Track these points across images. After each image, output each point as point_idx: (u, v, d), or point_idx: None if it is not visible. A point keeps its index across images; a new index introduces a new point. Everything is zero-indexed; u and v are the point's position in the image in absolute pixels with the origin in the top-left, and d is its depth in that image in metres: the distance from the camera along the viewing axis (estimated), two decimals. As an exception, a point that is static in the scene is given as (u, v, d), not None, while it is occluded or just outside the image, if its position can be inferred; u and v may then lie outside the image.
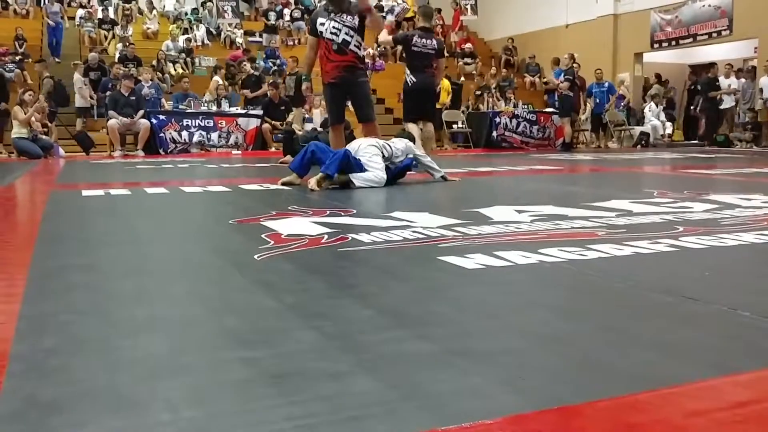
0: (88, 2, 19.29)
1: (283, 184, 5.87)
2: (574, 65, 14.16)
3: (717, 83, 14.66)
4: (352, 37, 6.65)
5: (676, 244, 3.02)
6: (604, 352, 1.68)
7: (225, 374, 1.53)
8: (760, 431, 1.27)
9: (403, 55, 9.01)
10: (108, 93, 13.07)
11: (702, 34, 16.11)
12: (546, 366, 1.59)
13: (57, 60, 16.75)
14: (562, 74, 13.88)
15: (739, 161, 10.01)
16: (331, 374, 1.51)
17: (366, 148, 5.96)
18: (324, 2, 6.97)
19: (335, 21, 6.62)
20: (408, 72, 8.73)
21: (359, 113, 7.03)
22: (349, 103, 7.29)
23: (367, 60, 7.01)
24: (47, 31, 17.35)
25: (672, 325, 1.90)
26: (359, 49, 6.76)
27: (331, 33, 6.63)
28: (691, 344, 1.74)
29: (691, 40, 16.43)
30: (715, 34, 15.80)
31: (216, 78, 14.65)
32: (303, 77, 7.45)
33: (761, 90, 14.19)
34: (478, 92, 16.05)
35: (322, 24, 6.68)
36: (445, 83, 15.24)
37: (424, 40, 8.49)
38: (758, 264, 2.80)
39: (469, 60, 20.08)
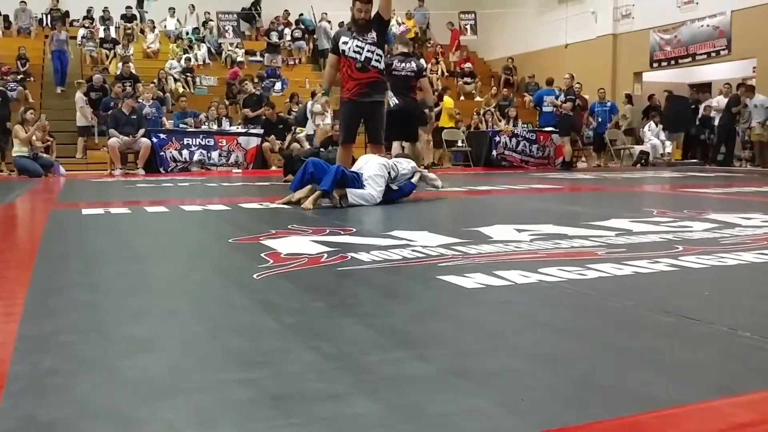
0: (91, 23, 19.38)
1: (283, 203, 5.88)
2: (575, 85, 14.22)
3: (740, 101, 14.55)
4: (372, 53, 6.80)
5: (676, 264, 3.02)
6: (603, 372, 1.67)
7: (225, 395, 1.53)
8: (761, 453, 1.27)
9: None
10: (109, 112, 13.11)
11: (701, 54, 16.20)
12: (546, 387, 1.59)
13: (62, 89, 16.62)
14: (558, 94, 13.99)
15: (738, 180, 10.03)
16: (330, 395, 1.51)
17: (375, 167, 6.00)
18: (347, 23, 7.08)
19: (358, 40, 6.76)
20: (391, 95, 8.70)
21: (371, 134, 7.17)
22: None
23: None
24: (52, 58, 17.07)
25: (672, 345, 1.90)
26: (380, 63, 6.87)
27: (354, 52, 6.78)
28: (691, 365, 1.73)
29: (690, 59, 16.52)
30: (713, 54, 15.89)
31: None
32: (323, 92, 7.55)
33: (755, 107, 14.23)
34: (480, 110, 16.10)
35: (345, 43, 6.81)
36: (448, 102, 15.34)
37: (403, 63, 8.71)
38: (758, 284, 2.80)
39: (468, 80, 20.18)
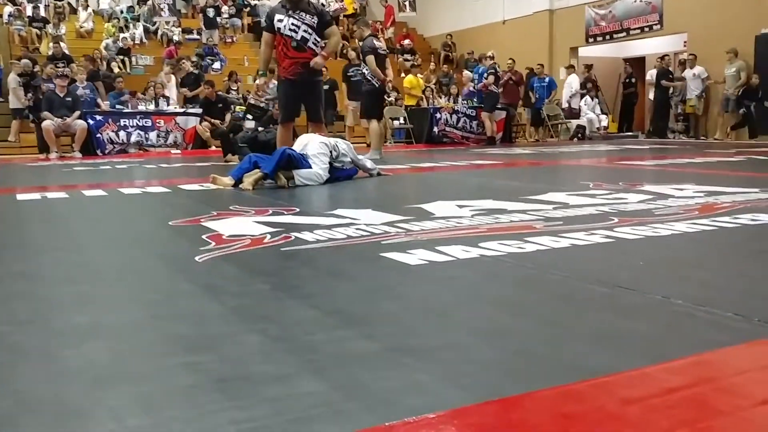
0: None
1: (215, 183, 5.76)
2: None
3: (671, 75, 14.94)
4: (310, 35, 6.71)
5: (612, 235, 3.11)
6: (543, 343, 1.72)
7: (170, 380, 1.52)
8: (691, 415, 1.33)
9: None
10: (41, 95, 12.70)
11: (634, 29, 16.50)
12: (487, 360, 1.63)
13: None
14: (482, 71, 14.41)
15: (672, 152, 10.31)
16: (276, 377, 1.52)
17: (316, 145, 6.00)
18: (281, 0, 6.95)
19: (294, 18, 6.67)
20: (369, 75, 9.56)
21: (311, 113, 7.10)
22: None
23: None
24: None
25: (608, 315, 1.97)
26: (317, 48, 6.79)
27: (290, 30, 6.67)
28: (626, 334, 1.80)
29: (624, 34, 16.81)
30: (647, 29, 16.20)
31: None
32: (259, 73, 7.44)
33: (693, 77, 14.61)
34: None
35: (281, 20, 6.69)
36: (418, 81, 15.47)
37: (380, 42, 9.39)
38: (691, 253, 2.90)
39: (408, 56, 20.17)
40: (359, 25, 10.22)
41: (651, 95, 15.68)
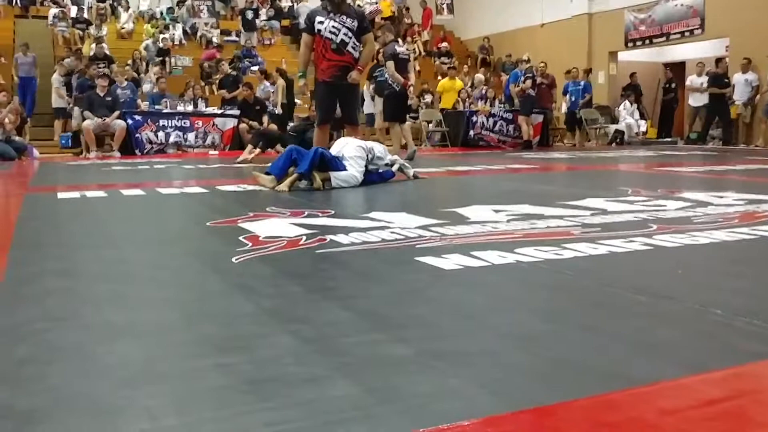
0: (62, 0, 19.03)
1: (257, 182, 5.83)
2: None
3: (726, 79, 14.32)
4: (350, 38, 6.75)
5: (650, 243, 3.06)
6: (579, 351, 1.70)
7: (203, 381, 1.53)
8: (730, 428, 1.30)
9: None
10: (84, 93, 12.93)
11: (675, 33, 16.26)
12: (523, 367, 1.61)
13: (29, 116, 14.15)
14: (521, 75, 14.29)
15: (712, 159, 10.13)
16: (308, 379, 1.52)
17: (353, 148, 6.03)
18: (322, 2, 6.99)
19: (334, 21, 6.72)
20: (390, 80, 9.96)
21: (347, 115, 7.13)
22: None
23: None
24: (18, 85, 14.62)
25: (646, 324, 1.93)
26: (355, 51, 6.82)
27: (330, 32, 6.72)
28: (664, 343, 1.77)
29: (664, 38, 16.58)
30: (687, 33, 15.96)
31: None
32: (299, 74, 7.48)
33: (734, 87, 14.32)
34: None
35: (321, 22, 6.74)
36: (457, 83, 15.50)
37: (402, 48, 9.74)
38: (729, 262, 2.84)
39: (445, 59, 20.13)
40: (383, 31, 10.61)
41: (690, 101, 15.39)
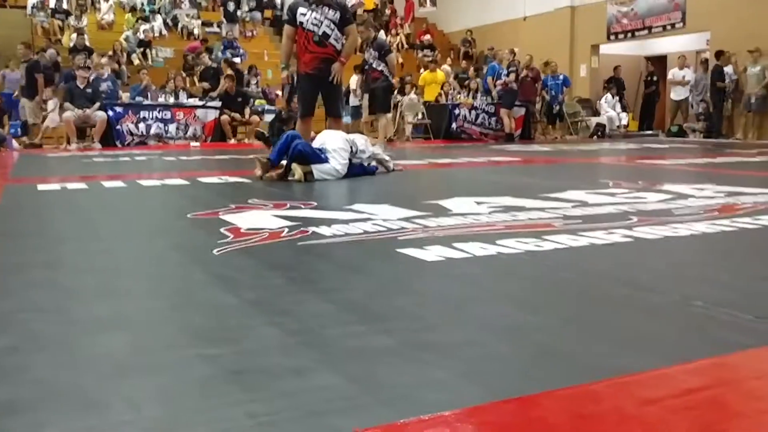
0: (41, -10, 18.80)
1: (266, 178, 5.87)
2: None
3: (725, 74, 14.05)
4: (332, 30, 6.71)
5: (631, 235, 3.08)
6: (561, 342, 1.72)
7: (187, 372, 1.53)
8: (710, 417, 1.32)
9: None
10: (67, 84, 12.79)
11: (657, 27, 16.35)
12: (505, 357, 1.62)
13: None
14: (499, 68, 14.35)
15: (692, 151, 10.22)
16: (292, 370, 1.52)
17: (336, 141, 6.03)
18: None
19: (317, 12, 6.66)
20: (387, 72, 10.20)
21: (330, 108, 7.10)
22: None
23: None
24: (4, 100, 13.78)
25: (627, 315, 1.95)
26: (338, 43, 6.78)
27: (313, 24, 6.67)
28: (645, 334, 1.79)
29: (646, 32, 16.66)
30: (669, 27, 16.05)
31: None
32: (281, 66, 7.45)
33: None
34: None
35: (303, 14, 6.69)
36: (439, 76, 15.56)
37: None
38: (709, 253, 2.88)
39: (428, 52, 20.12)
40: (366, 26, 10.54)
41: (672, 94, 15.50)
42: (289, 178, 5.69)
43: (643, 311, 1.99)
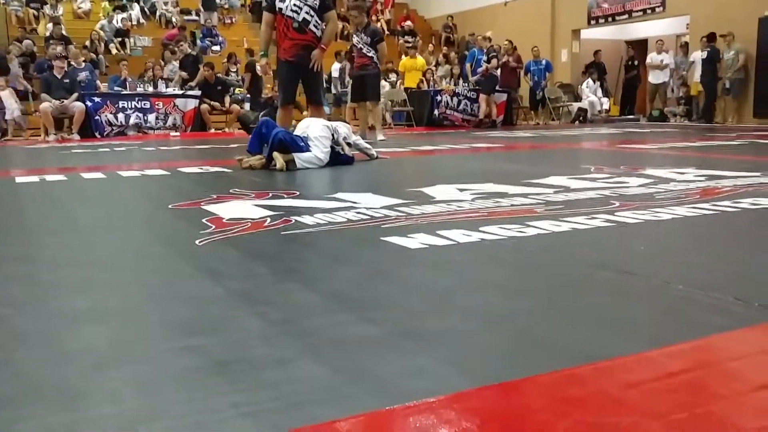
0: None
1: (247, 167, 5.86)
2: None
3: (721, 57, 13.79)
4: (312, 16, 6.66)
5: (613, 219, 3.10)
6: (544, 328, 1.72)
7: (169, 363, 1.52)
8: (691, 399, 1.33)
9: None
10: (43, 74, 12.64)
11: (637, 11, 16.41)
12: (488, 344, 1.63)
13: None
14: (477, 54, 14.33)
15: (673, 135, 10.28)
16: (276, 360, 1.52)
17: (318, 128, 6.01)
18: None
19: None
20: (377, 59, 9.97)
21: (310, 95, 7.05)
22: None
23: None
24: None
25: (609, 300, 1.96)
26: (318, 30, 6.74)
27: (292, 11, 6.63)
28: (627, 318, 1.80)
29: (626, 16, 16.72)
30: (649, 11, 16.12)
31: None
32: (260, 54, 7.39)
33: (692, 64, 14.48)
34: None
35: (282, 0, 6.63)
36: (419, 62, 15.48)
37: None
38: (691, 237, 2.90)
39: (409, 38, 20.07)
40: (359, 11, 10.16)
41: (651, 78, 15.56)
42: (271, 167, 5.67)
43: (624, 295, 2.00)
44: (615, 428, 1.19)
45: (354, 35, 10.20)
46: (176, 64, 14.46)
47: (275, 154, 5.63)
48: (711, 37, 13.81)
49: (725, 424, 1.22)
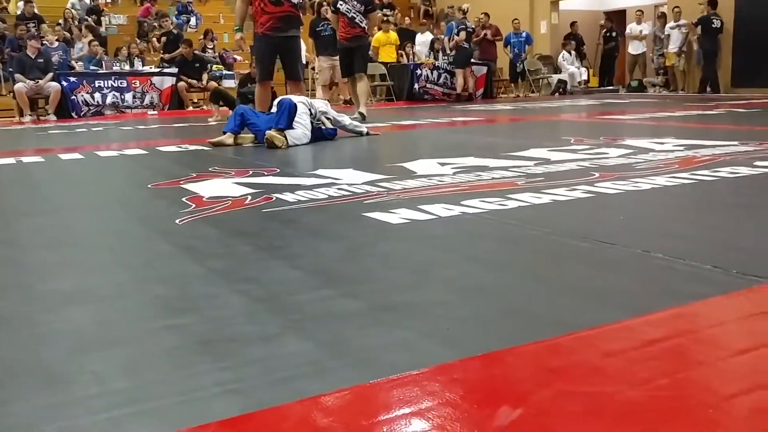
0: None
1: (214, 144, 5.86)
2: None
3: (718, 23, 13.50)
4: None
5: (593, 190, 3.12)
6: (525, 299, 1.74)
7: (153, 343, 1.52)
8: (671, 366, 1.35)
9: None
10: (15, 53, 12.44)
11: (615, -19, 16.42)
12: (470, 316, 1.64)
13: None
14: (455, 27, 14.20)
15: (652, 106, 10.32)
16: (260, 337, 1.52)
17: (297, 105, 5.96)
18: None
19: None
20: (368, 29, 9.31)
21: (288, 70, 6.95)
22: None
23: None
24: None
25: (589, 270, 1.98)
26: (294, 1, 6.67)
27: None
28: (607, 288, 1.82)
29: (605, -14, 16.73)
30: (626, -19, 16.13)
31: None
32: (235, 28, 7.29)
33: (668, 36, 14.51)
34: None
35: None
36: (392, 36, 15.25)
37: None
38: (670, 207, 2.92)
39: (387, 11, 19.92)
40: None
41: (630, 49, 15.58)
42: (269, 147, 5.57)
43: (605, 265, 2.02)
44: (597, 396, 1.21)
45: (342, 3, 9.08)
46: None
47: (272, 133, 5.57)
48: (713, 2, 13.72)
49: (706, 390, 1.25)
